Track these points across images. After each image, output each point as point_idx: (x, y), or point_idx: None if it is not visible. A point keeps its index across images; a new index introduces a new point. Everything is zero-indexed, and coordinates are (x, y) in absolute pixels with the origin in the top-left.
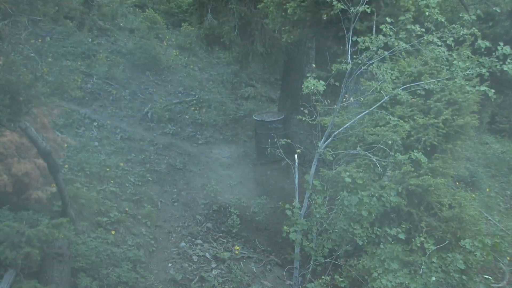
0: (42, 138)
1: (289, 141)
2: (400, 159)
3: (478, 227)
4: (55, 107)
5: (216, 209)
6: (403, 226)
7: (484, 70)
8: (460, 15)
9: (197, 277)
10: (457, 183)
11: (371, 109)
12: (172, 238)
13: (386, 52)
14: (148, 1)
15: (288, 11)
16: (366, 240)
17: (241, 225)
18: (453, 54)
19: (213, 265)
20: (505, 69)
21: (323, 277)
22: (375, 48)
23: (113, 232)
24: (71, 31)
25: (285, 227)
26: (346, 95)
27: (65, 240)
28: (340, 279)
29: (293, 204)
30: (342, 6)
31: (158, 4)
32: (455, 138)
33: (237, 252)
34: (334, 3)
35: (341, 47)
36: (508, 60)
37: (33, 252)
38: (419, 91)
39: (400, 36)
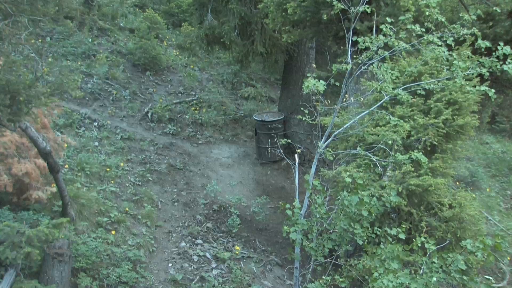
0: (42, 138)
1: (289, 141)
2: (400, 159)
3: (479, 227)
4: (55, 107)
5: (216, 209)
6: (403, 226)
7: (484, 70)
8: (460, 15)
9: (198, 277)
10: (457, 183)
11: (371, 109)
12: (172, 238)
13: (386, 52)
14: (148, 1)
15: (288, 11)
16: (366, 240)
17: (241, 225)
18: (453, 54)
19: (214, 265)
20: (505, 69)
21: (323, 277)
22: (375, 48)
23: (113, 232)
24: (71, 31)
25: (285, 227)
26: (346, 95)
27: (65, 240)
28: (341, 279)
29: (293, 204)
30: (342, 6)
31: (158, 4)
32: (455, 138)
33: (237, 252)
34: (334, 3)
35: (341, 47)
36: (508, 60)
37: (33, 252)
38: (419, 91)
39: (400, 36)
